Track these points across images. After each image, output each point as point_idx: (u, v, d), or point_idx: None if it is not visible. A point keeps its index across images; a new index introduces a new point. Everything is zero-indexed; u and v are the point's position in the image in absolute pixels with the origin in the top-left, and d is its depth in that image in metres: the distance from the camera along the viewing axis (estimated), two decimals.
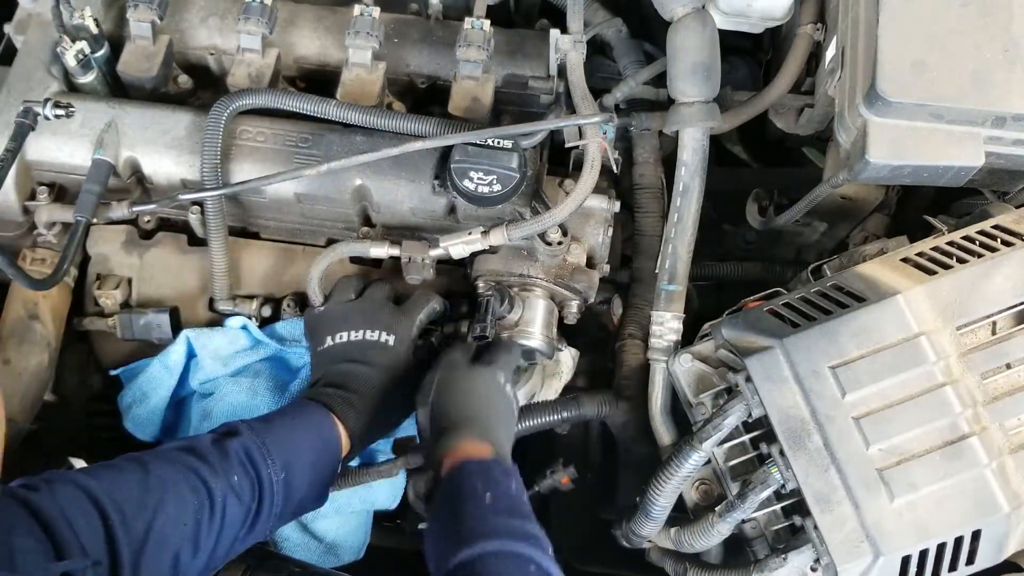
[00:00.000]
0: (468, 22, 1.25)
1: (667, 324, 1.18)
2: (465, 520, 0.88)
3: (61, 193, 1.26)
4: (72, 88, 1.26)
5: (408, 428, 1.24)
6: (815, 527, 1.01)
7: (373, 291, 1.20)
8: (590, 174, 1.15)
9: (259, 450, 0.98)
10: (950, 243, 1.09)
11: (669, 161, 1.27)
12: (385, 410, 1.11)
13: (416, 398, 1.08)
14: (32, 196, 1.24)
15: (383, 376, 1.11)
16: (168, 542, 0.86)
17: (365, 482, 1.21)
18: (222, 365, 1.22)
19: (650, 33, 1.40)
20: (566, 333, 1.29)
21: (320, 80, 1.31)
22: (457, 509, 0.90)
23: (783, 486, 1.03)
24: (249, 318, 1.24)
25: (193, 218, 1.23)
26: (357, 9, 1.24)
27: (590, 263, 1.24)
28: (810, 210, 1.31)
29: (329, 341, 1.15)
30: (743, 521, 1.08)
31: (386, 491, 1.25)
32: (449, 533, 0.88)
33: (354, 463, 1.24)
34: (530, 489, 1.33)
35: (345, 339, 1.15)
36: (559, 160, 1.29)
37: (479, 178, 1.13)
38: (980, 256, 1.06)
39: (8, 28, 1.30)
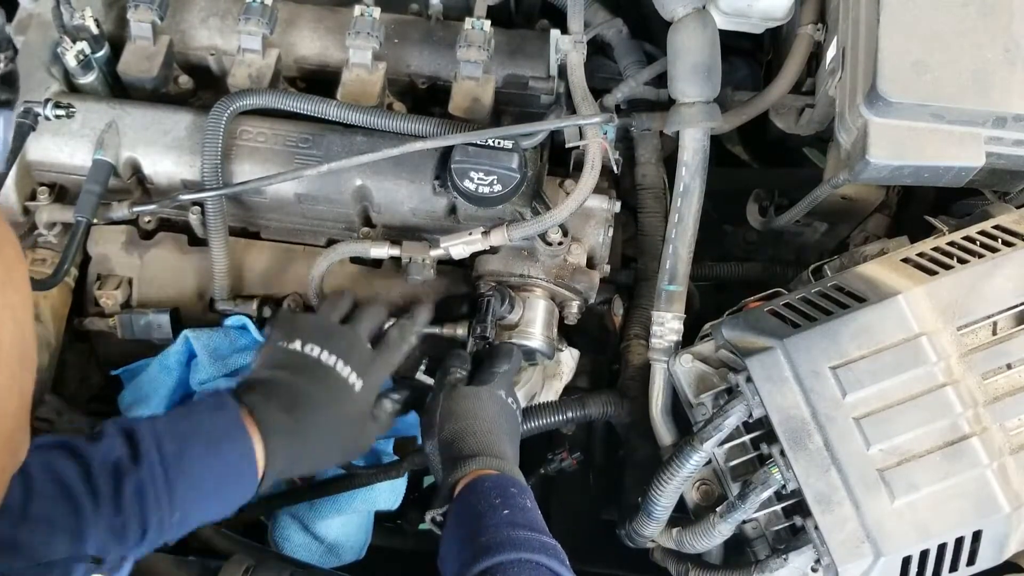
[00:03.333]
0: (468, 22, 1.25)
1: (668, 324, 1.17)
2: (483, 532, 0.88)
3: (61, 193, 1.26)
4: (72, 88, 1.26)
5: (412, 428, 1.24)
6: (816, 527, 1.01)
7: (362, 322, 1.07)
8: (590, 174, 1.15)
9: (157, 494, 0.87)
10: (951, 243, 1.09)
11: (670, 161, 1.27)
12: (316, 456, 1.01)
13: (421, 426, 1.07)
14: (32, 196, 1.24)
15: (333, 422, 0.99)
16: None
17: (371, 484, 1.21)
18: (222, 365, 1.22)
19: (650, 33, 1.40)
20: (566, 333, 1.29)
21: (320, 80, 1.31)
22: (475, 522, 0.90)
23: (784, 486, 1.03)
24: (249, 318, 1.24)
25: (193, 218, 1.23)
26: (357, 10, 1.24)
27: (590, 263, 1.24)
28: (811, 210, 1.31)
29: (298, 345, 1.01)
30: (744, 521, 1.08)
31: (387, 492, 1.25)
32: (467, 545, 0.88)
33: (359, 463, 1.24)
34: (535, 473, 1.33)
35: (315, 355, 1.01)
36: (559, 160, 1.29)
37: (479, 178, 1.13)
38: (981, 256, 1.06)
39: (9, 28, 1.30)
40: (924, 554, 1.00)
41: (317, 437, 0.98)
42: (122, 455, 0.87)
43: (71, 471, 0.84)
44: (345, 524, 1.26)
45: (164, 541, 0.91)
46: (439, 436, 1.03)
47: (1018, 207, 1.15)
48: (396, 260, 1.21)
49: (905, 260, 1.09)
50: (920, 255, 1.09)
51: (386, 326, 1.10)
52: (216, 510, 0.95)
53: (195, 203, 1.21)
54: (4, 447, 0.58)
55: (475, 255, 1.20)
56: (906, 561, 1.00)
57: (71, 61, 1.19)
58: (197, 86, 1.30)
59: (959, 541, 1.00)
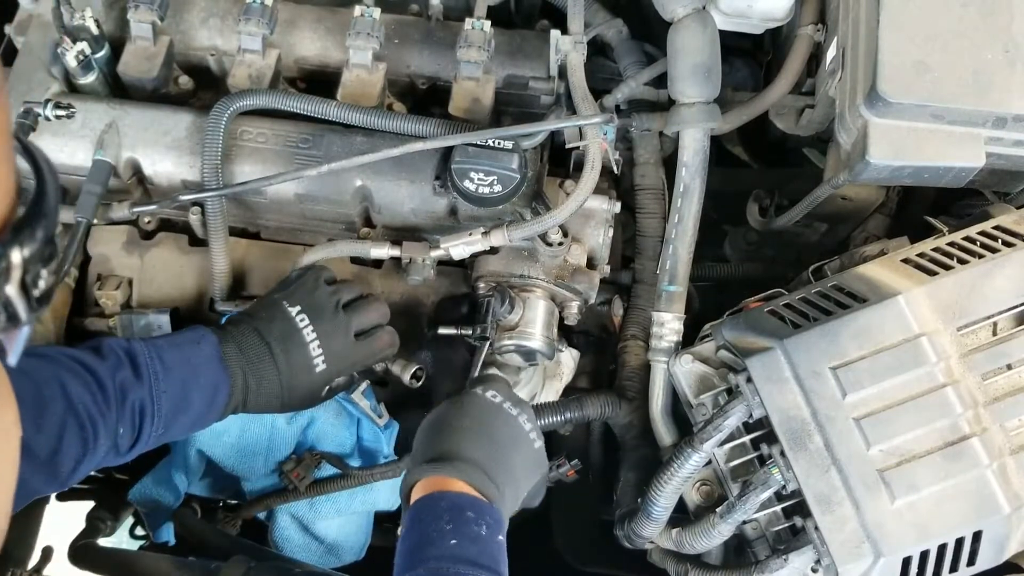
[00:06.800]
0: (469, 23, 1.25)
1: (668, 325, 1.18)
2: (424, 561, 0.85)
3: (62, 194, 1.25)
4: (72, 89, 1.26)
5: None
6: (816, 528, 1.01)
7: (358, 314, 1.12)
8: (591, 175, 1.15)
9: (152, 407, 0.97)
10: (951, 244, 1.09)
11: (670, 162, 1.27)
12: (260, 409, 1.10)
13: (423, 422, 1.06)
14: None
15: (283, 392, 1.07)
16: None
17: (368, 483, 1.21)
18: None
19: (650, 34, 1.40)
20: (566, 334, 1.29)
21: (321, 81, 1.31)
22: (418, 549, 0.87)
23: (784, 487, 1.03)
24: None
25: (194, 219, 1.23)
26: (358, 10, 1.24)
27: (590, 264, 1.24)
28: (811, 211, 1.31)
29: (295, 311, 1.08)
30: (744, 522, 1.08)
31: (387, 492, 1.25)
32: (407, 568, 0.86)
33: (356, 464, 1.24)
34: None
35: (301, 326, 1.07)
36: (559, 161, 1.29)
37: (479, 179, 1.13)
38: (981, 257, 1.06)
39: (9, 29, 1.30)
40: (924, 554, 1.00)
41: (266, 397, 1.07)
42: (127, 374, 0.96)
43: (82, 385, 0.93)
44: (345, 524, 1.26)
45: (138, 454, 1.01)
46: (424, 423, 1.01)
47: (1018, 207, 1.15)
48: (396, 260, 1.21)
49: (905, 260, 1.09)
50: (920, 255, 1.09)
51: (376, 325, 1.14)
52: (186, 431, 1.05)
53: (195, 203, 1.21)
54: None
55: (475, 255, 1.20)
56: (906, 561, 1.00)
57: (71, 61, 1.19)
58: (197, 86, 1.30)
59: (959, 541, 1.00)
